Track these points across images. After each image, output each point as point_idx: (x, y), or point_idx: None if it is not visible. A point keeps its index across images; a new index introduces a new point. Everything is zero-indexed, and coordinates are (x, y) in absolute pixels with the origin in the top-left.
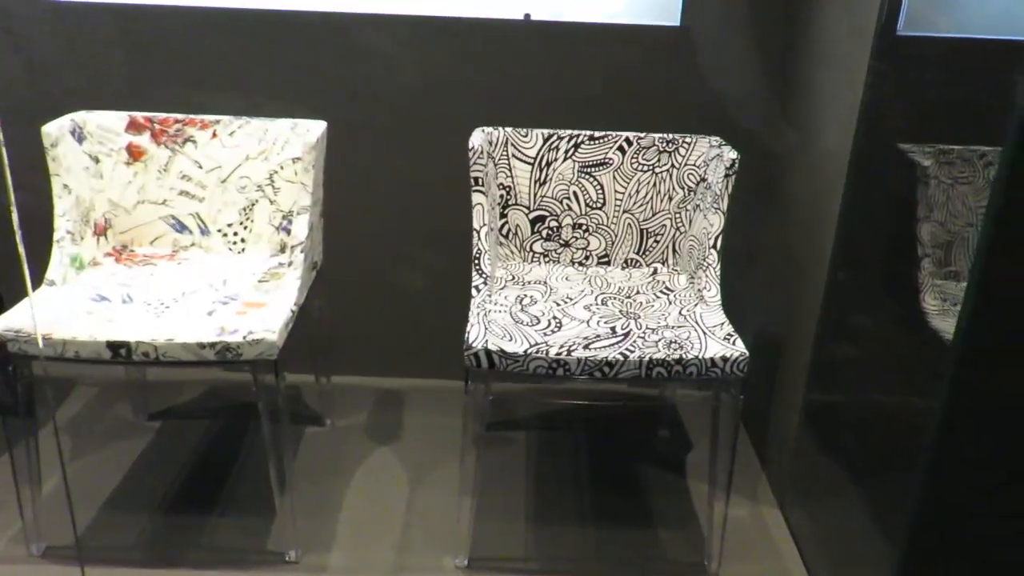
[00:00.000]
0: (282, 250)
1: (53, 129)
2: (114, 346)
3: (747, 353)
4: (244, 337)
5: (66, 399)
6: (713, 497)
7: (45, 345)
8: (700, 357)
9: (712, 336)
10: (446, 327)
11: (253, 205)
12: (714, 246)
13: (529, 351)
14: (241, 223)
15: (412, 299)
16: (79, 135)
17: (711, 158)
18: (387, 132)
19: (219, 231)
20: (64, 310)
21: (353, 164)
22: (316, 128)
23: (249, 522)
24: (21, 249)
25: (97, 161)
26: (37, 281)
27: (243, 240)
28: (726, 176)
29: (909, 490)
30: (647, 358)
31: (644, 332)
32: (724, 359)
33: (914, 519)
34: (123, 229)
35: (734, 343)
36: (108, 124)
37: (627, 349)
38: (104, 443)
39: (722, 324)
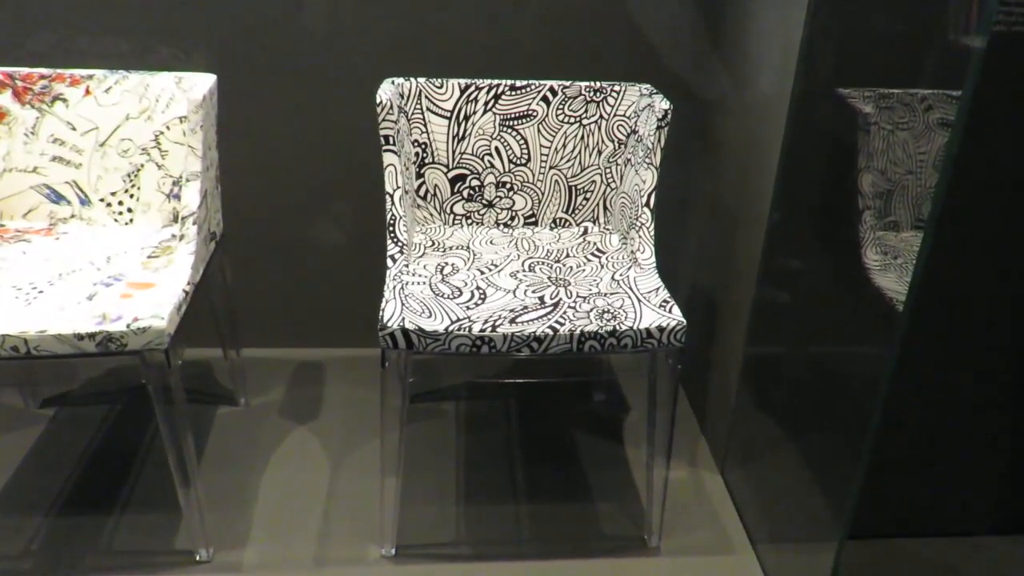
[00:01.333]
0: (175, 220)
1: None
2: None
3: (684, 322)
4: (128, 326)
5: None
6: (652, 469)
7: None
8: (635, 328)
9: (647, 304)
10: (364, 293)
11: (138, 171)
12: (647, 204)
13: (451, 328)
14: (126, 191)
15: (326, 264)
16: None
17: (642, 108)
18: (288, 83)
19: (102, 200)
20: None
21: (251, 121)
22: (204, 82)
23: (154, 520)
24: None
25: None
26: None
27: (130, 210)
28: (658, 128)
29: (852, 451)
30: (578, 331)
31: (575, 301)
32: (660, 329)
33: (859, 480)
34: None
35: (670, 311)
36: None
37: (557, 322)
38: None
39: (657, 290)
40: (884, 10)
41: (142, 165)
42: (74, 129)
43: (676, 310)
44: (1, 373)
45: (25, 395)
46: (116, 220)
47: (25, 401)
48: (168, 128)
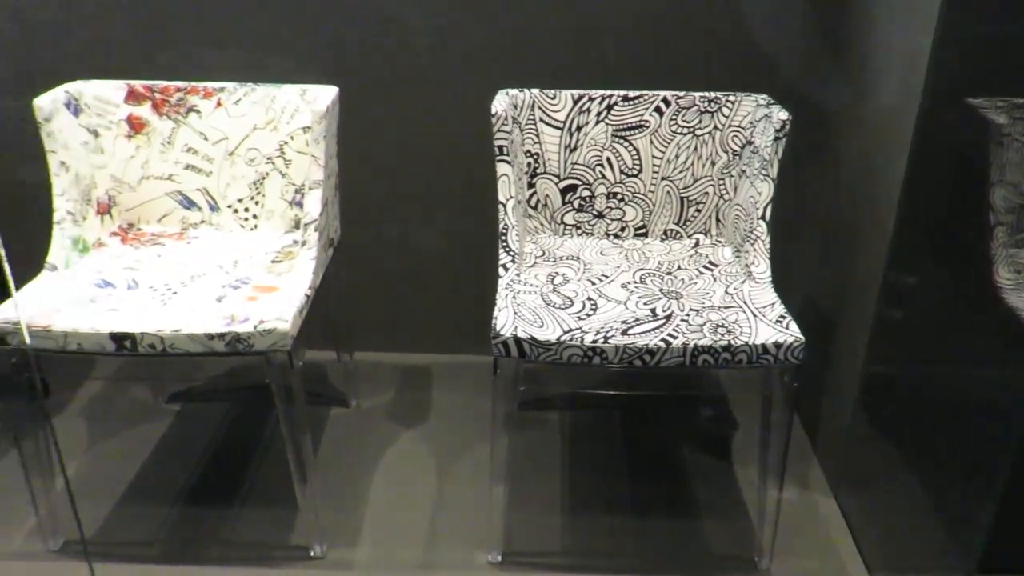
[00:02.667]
0: (296, 226)
1: (46, 102)
2: (118, 338)
3: (802, 338)
4: (255, 327)
5: (85, 381)
6: (764, 488)
7: (45, 338)
8: (750, 343)
9: (763, 319)
10: (474, 300)
11: (264, 179)
12: (763, 217)
13: (563, 338)
14: (252, 198)
15: (436, 272)
16: (75, 108)
17: (758, 119)
18: (403, 95)
19: (229, 207)
20: (65, 298)
21: (370, 131)
22: (326, 94)
23: (272, 514)
24: None
25: (96, 135)
26: (39, 266)
27: (255, 216)
28: (776, 139)
29: (984, 479)
30: (692, 345)
31: (688, 315)
32: (777, 345)
33: (991, 510)
34: (129, 207)
35: (787, 326)
36: (105, 95)
37: (669, 335)
38: (122, 429)
39: (773, 304)
40: (1020, 15)
41: (267, 173)
42: (206, 139)
43: (793, 326)
44: (134, 369)
45: (155, 391)
46: (242, 226)
47: (154, 396)
48: (292, 138)
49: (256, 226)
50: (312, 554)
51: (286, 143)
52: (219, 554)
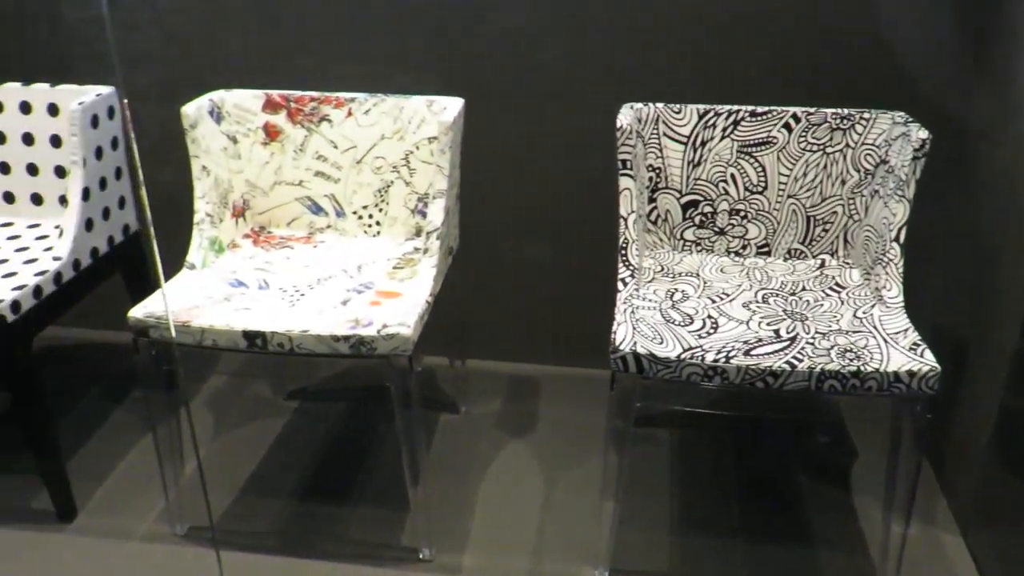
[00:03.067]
0: (417, 233)
1: (192, 110)
2: (250, 336)
3: (938, 368)
4: (378, 331)
5: (210, 375)
6: (888, 523)
7: (184, 332)
8: (882, 371)
9: (895, 345)
10: (587, 313)
11: (388, 187)
12: (896, 239)
13: (683, 356)
14: (376, 205)
15: (552, 283)
16: (217, 115)
17: (894, 137)
18: (527, 107)
19: (354, 213)
20: (203, 295)
21: (490, 141)
22: (453, 106)
23: (383, 514)
24: (152, 236)
25: (235, 141)
26: (180, 263)
27: (378, 223)
28: (914, 159)
29: None
30: (818, 369)
31: (814, 337)
32: (911, 374)
33: None
34: (260, 211)
35: (922, 354)
36: (245, 103)
37: (795, 357)
38: (243, 422)
39: (906, 331)
40: None
41: (392, 182)
42: (336, 147)
43: (928, 354)
44: (255, 366)
45: (275, 387)
46: (365, 232)
47: (273, 393)
48: (417, 148)
49: (379, 232)
50: (421, 556)
51: (412, 152)
52: (332, 550)
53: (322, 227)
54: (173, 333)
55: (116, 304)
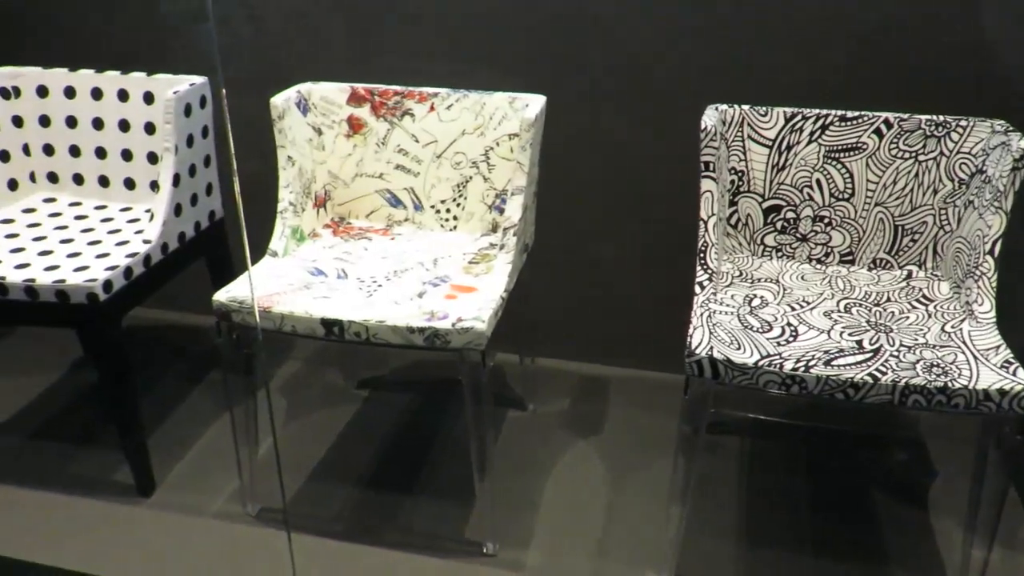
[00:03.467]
0: (493, 229)
1: (280, 101)
2: (328, 324)
3: None
4: (453, 325)
5: (284, 360)
6: (970, 546)
7: (265, 318)
8: (970, 388)
9: (985, 362)
10: (661, 316)
11: (467, 182)
12: (991, 252)
13: (760, 363)
14: (454, 200)
15: (625, 284)
16: (304, 107)
17: (993, 146)
18: (608, 107)
19: (432, 207)
20: (283, 283)
21: (570, 139)
22: (535, 103)
23: (448, 506)
24: (243, 224)
25: (320, 133)
26: (261, 251)
27: (455, 218)
28: (1013, 169)
29: None
30: (903, 383)
31: (898, 350)
32: (1002, 392)
33: None
34: (341, 201)
35: (1014, 373)
36: (331, 96)
37: (878, 370)
38: (315, 409)
39: (998, 348)
40: None
41: (471, 177)
42: (417, 141)
43: (1021, 373)
44: (330, 354)
45: (346, 375)
46: (442, 226)
47: (345, 380)
48: (497, 144)
49: (455, 227)
50: (485, 551)
51: (492, 148)
52: (397, 539)
53: (400, 220)
54: (257, 319)
55: (198, 288)
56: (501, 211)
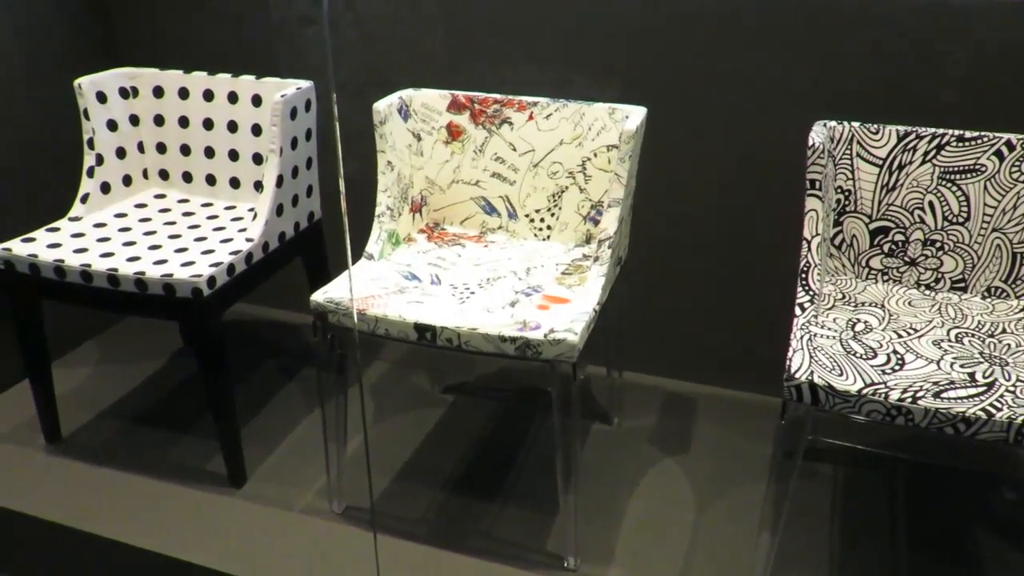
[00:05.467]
0: (587, 240)
1: (383, 107)
2: (421, 329)
3: None
4: (545, 336)
5: (372, 362)
6: None
7: (360, 320)
8: None
9: None
10: (755, 336)
11: (562, 192)
12: None
13: (864, 391)
14: (548, 209)
15: (718, 301)
16: (405, 112)
17: None
18: (709, 118)
19: (526, 216)
20: (378, 286)
21: (669, 151)
22: (636, 115)
23: (531, 516)
24: (346, 227)
25: (419, 139)
26: (356, 253)
27: (549, 227)
28: None
29: None
30: (1020, 420)
31: (1015, 385)
32: None
33: None
34: (436, 207)
35: None
36: (431, 103)
37: (992, 405)
38: (402, 411)
39: None
40: None
41: (566, 187)
42: (514, 150)
43: None
44: (417, 357)
45: (433, 379)
46: (535, 235)
47: (432, 384)
48: (595, 155)
49: (549, 236)
50: (565, 565)
51: (589, 159)
52: (479, 546)
53: (494, 227)
54: (356, 320)
55: (293, 286)
56: (596, 222)
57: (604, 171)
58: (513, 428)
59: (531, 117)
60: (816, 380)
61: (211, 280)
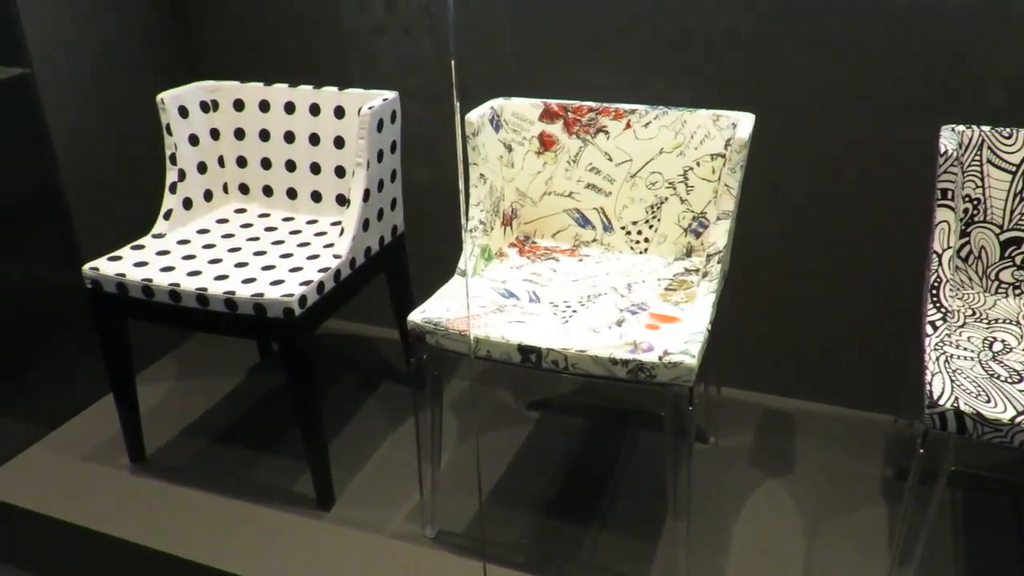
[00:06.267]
0: (688, 253)
1: (475, 117)
2: (525, 351)
3: None
4: (660, 358)
5: (452, 379)
6: None
7: (459, 341)
8: None
9: None
10: (864, 351)
11: (661, 203)
12: None
13: (1018, 420)
14: (646, 221)
15: (825, 314)
16: (496, 123)
17: None
18: (821, 123)
19: (622, 228)
20: (475, 304)
21: (768, 158)
22: (745, 122)
23: (632, 543)
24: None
25: (510, 149)
26: (437, 265)
27: (646, 240)
28: None
29: None
30: None
31: None
32: None
33: None
34: (527, 220)
35: None
36: (523, 112)
37: None
38: (488, 429)
39: None
40: None
41: (666, 198)
42: (610, 160)
43: None
44: (499, 372)
45: (517, 393)
46: (632, 248)
47: (516, 399)
48: (698, 164)
49: (646, 249)
50: None
51: (691, 169)
52: (579, 574)
53: (587, 240)
54: (473, 342)
55: (373, 299)
56: (697, 234)
57: (707, 181)
58: (604, 446)
59: (628, 125)
60: (963, 407)
61: (302, 299)
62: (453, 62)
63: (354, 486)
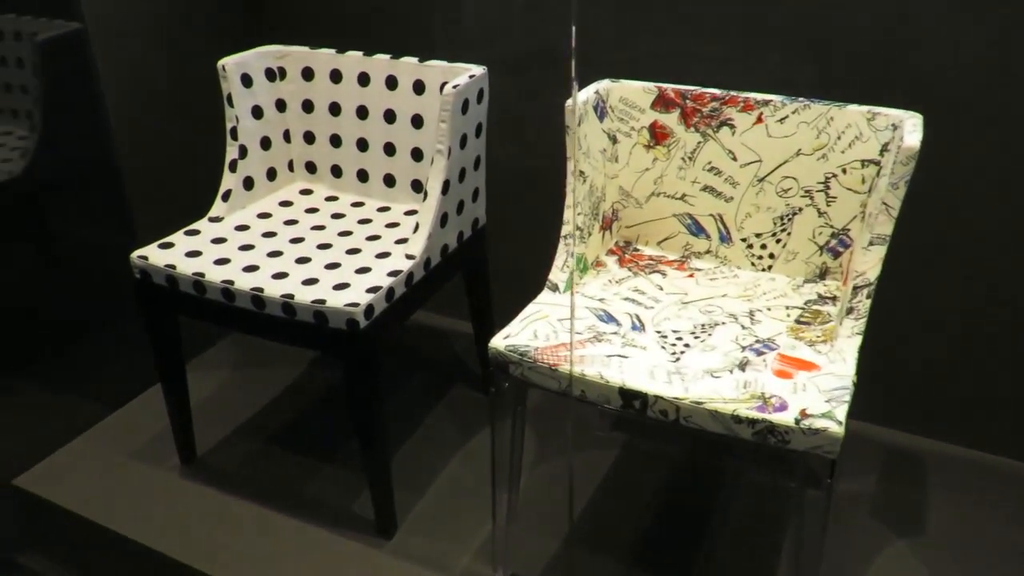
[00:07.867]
0: (821, 275)
1: (578, 104)
2: (628, 395)
3: None
4: (797, 421)
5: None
6: None
7: (550, 377)
8: None
9: None
10: (1008, 385)
11: (794, 215)
12: None
13: None
14: (773, 235)
15: (967, 339)
16: (601, 110)
17: None
18: (995, 127)
19: (743, 240)
20: (566, 330)
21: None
22: (909, 124)
23: None
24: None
25: (614, 141)
26: (517, 265)
27: (771, 256)
28: None
29: None
30: None
31: None
32: None
33: None
34: (630, 223)
35: None
36: (633, 98)
37: None
38: (566, 454)
39: None
40: None
41: (800, 209)
42: (734, 159)
43: None
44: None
45: (596, 413)
46: (752, 264)
47: (598, 420)
48: (844, 171)
49: (769, 267)
50: None
51: (834, 176)
52: None
53: (700, 251)
54: (576, 385)
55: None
56: (836, 254)
57: (854, 192)
58: (699, 482)
59: (760, 119)
60: None
61: (368, 310)
62: (574, 28)
63: (417, 512)
